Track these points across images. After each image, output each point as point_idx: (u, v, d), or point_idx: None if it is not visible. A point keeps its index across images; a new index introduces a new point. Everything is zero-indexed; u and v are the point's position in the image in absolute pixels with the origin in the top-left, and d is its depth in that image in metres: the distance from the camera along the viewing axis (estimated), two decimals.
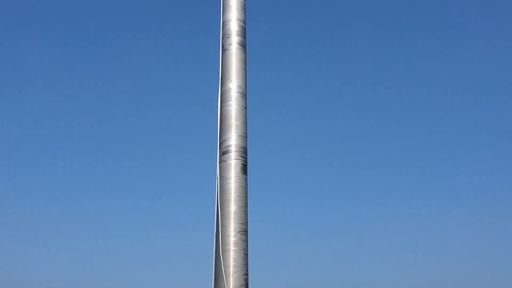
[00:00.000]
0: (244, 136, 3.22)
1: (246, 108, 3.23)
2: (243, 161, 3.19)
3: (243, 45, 3.29)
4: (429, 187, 16.49)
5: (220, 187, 3.16)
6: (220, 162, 3.20)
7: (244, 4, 3.37)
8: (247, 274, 3.00)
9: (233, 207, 3.12)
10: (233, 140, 3.18)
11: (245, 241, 3.03)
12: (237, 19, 3.31)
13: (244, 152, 3.21)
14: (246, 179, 3.19)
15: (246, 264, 3.00)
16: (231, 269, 2.95)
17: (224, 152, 3.19)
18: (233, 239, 3.00)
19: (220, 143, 3.20)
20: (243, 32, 3.31)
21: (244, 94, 3.23)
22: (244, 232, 3.04)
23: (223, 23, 3.32)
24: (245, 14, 3.35)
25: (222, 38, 3.29)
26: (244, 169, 3.19)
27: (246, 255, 3.01)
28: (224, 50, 3.27)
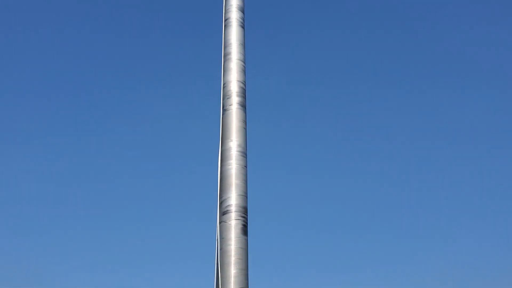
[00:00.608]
0: (245, 195, 3.19)
1: (246, 166, 3.23)
2: (244, 221, 3.14)
3: (243, 105, 3.36)
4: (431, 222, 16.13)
5: (220, 249, 3.09)
6: (220, 222, 3.15)
7: (244, 67, 3.48)
8: None
9: (233, 270, 3.03)
10: (233, 199, 3.15)
11: None
12: (237, 80, 3.41)
13: (244, 212, 3.16)
14: (246, 240, 3.12)
15: None
16: None
17: (224, 212, 3.14)
18: None
19: (220, 203, 3.17)
20: (243, 93, 3.39)
21: (244, 153, 3.25)
22: None
23: (223, 84, 3.41)
24: (245, 75, 3.46)
25: (223, 99, 3.37)
26: (245, 229, 3.13)
27: None
28: (224, 110, 3.33)
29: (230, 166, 3.19)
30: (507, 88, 16.49)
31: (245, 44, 3.63)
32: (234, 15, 3.74)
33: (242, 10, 3.82)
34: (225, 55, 3.55)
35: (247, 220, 3.15)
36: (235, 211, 3.12)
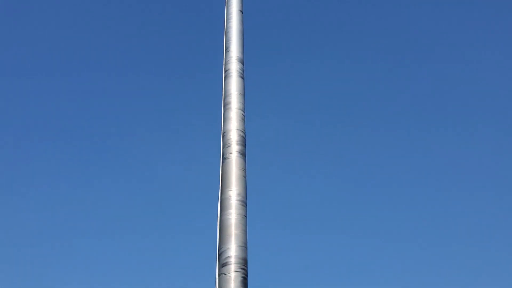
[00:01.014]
0: (244, 246, 3.10)
1: (246, 216, 3.16)
2: (243, 273, 3.04)
3: (243, 154, 3.33)
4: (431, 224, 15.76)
5: None
6: (219, 275, 3.05)
7: (244, 116, 3.48)
8: None
9: None
10: (232, 250, 3.06)
11: None
12: (237, 129, 3.40)
13: (244, 264, 3.06)
14: None
15: None
16: None
17: (223, 264, 3.04)
18: None
19: (219, 254, 3.08)
20: (243, 142, 3.37)
21: (244, 202, 3.18)
22: None
23: (223, 133, 3.40)
24: (244, 124, 3.45)
25: (223, 147, 3.34)
26: (245, 282, 3.03)
27: None
28: (224, 158, 3.30)
29: (230, 215, 3.12)
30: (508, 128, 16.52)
31: (244, 94, 3.65)
32: (234, 66, 3.79)
33: (242, 61, 3.86)
34: (225, 105, 3.56)
35: (247, 272, 3.05)
36: (235, 263, 3.02)
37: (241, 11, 4.30)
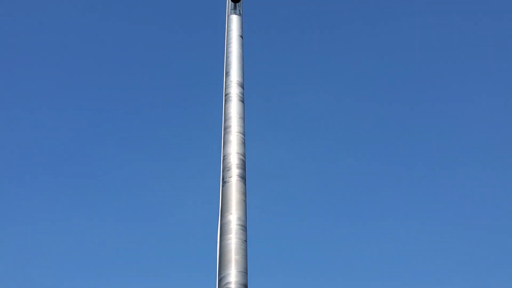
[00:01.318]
0: (245, 272, 3.03)
1: (246, 241, 3.10)
2: None
3: (243, 177, 3.29)
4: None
5: None
6: None
7: (244, 139, 3.46)
8: None
9: None
10: (233, 276, 2.99)
11: None
12: (237, 152, 3.37)
13: None
14: None
15: None
16: None
17: None
18: None
19: (219, 280, 3.01)
20: (243, 165, 3.34)
21: (244, 227, 3.13)
22: None
23: (223, 156, 3.36)
24: (244, 148, 3.42)
25: (223, 171, 3.30)
26: None
27: None
28: (224, 182, 3.25)
29: (230, 240, 3.06)
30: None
31: (244, 118, 3.63)
32: (234, 90, 3.78)
33: (242, 85, 3.86)
34: (225, 128, 3.54)
35: None
36: None
37: (241, 36, 4.32)
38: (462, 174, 16.70)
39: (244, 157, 3.38)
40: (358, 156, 17.37)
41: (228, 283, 2.98)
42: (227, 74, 3.95)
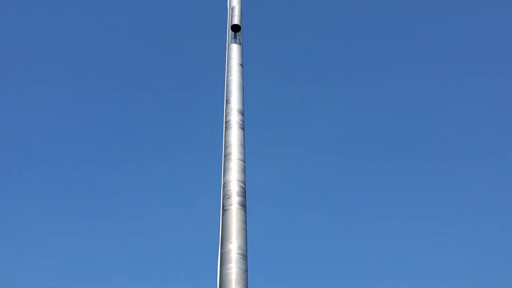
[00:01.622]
0: None
1: (247, 271, 3.02)
2: None
3: (243, 205, 3.23)
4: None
5: None
6: None
7: (244, 166, 3.41)
8: None
9: None
10: None
11: None
12: (238, 180, 3.31)
13: None
14: None
15: None
16: None
17: None
18: None
19: None
20: (243, 193, 3.28)
21: (245, 256, 3.06)
22: None
23: (223, 184, 3.31)
24: (245, 175, 3.37)
25: (223, 199, 3.24)
26: None
27: None
28: (224, 210, 3.19)
29: (230, 270, 2.99)
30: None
31: (245, 145, 3.60)
32: (234, 118, 3.75)
33: (242, 113, 3.83)
34: (225, 155, 3.50)
35: None
36: None
37: (241, 65, 4.31)
38: (462, 174, 16.64)
39: (245, 185, 3.33)
40: (359, 163, 17.25)
41: None
42: (228, 101, 3.93)
